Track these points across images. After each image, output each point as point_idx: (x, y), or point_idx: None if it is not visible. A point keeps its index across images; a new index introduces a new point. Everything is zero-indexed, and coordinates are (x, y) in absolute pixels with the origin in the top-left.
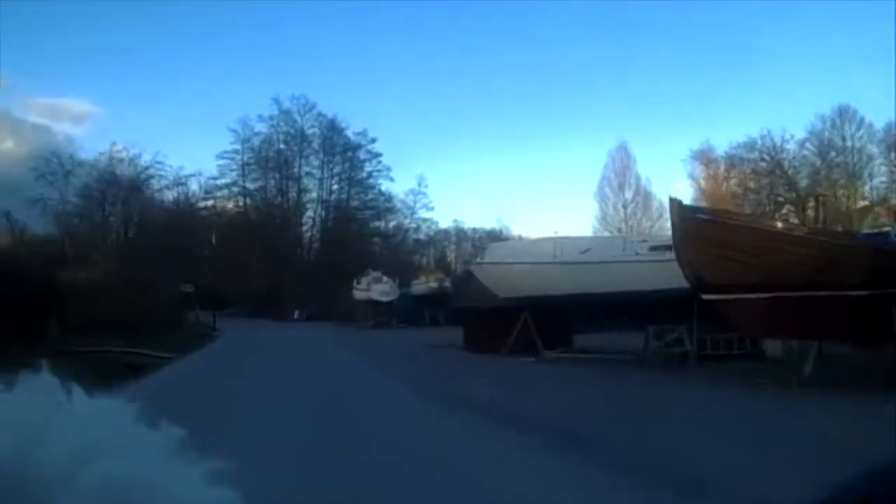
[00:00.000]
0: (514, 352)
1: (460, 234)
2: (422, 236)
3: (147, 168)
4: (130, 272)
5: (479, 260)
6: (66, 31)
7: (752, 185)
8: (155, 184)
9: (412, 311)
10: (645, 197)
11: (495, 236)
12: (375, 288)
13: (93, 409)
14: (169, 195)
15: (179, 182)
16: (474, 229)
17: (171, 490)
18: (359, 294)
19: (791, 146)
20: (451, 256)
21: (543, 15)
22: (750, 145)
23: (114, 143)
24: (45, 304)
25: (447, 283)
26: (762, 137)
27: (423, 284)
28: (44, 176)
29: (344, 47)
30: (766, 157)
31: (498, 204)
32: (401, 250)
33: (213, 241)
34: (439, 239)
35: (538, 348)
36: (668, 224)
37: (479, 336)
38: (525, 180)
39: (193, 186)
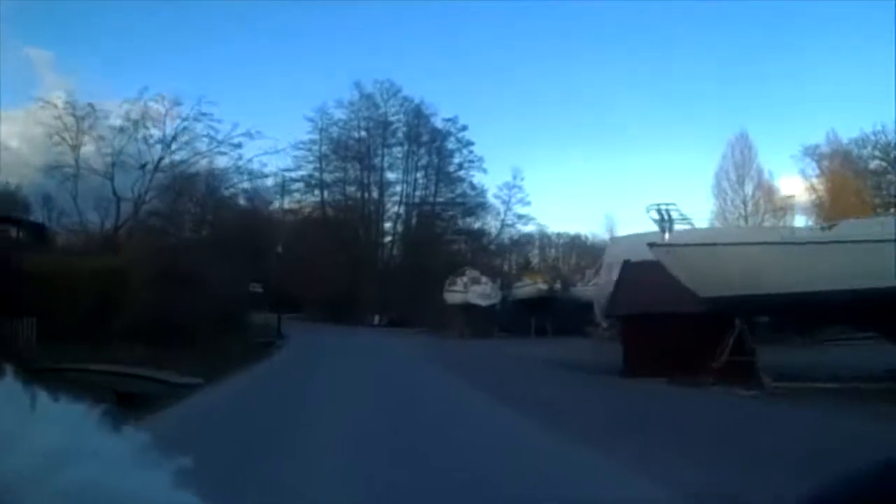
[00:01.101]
0: (719, 380)
1: (544, 240)
2: (516, 234)
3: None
4: (169, 265)
5: (667, 241)
6: (141, 30)
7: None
8: (232, 179)
9: (515, 319)
10: (768, 192)
11: (580, 243)
12: (474, 290)
13: (58, 416)
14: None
15: (255, 176)
16: (559, 234)
17: (136, 493)
18: (452, 297)
19: None
20: (534, 262)
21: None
22: (862, 141)
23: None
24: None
25: (558, 286)
26: (875, 133)
27: (530, 287)
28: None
29: (434, 29)
30: (878, 154)
31: (584, 208)
32: (490, 251)
33: (283, 238)
34: (523, 243)
35: (756, 373)
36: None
37: (653, 355)
38: (615, 182)
39: (269, 182)
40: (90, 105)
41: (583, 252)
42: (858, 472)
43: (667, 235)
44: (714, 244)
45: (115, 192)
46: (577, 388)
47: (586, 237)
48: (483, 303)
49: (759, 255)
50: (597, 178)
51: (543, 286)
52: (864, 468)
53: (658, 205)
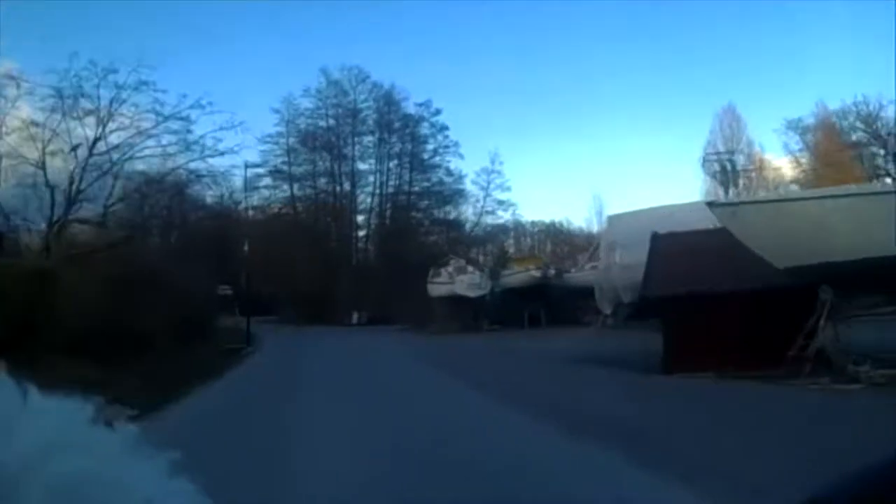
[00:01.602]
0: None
1: (518, 228)
2: (493, 223)
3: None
4: (121, 265)
5: (733, 199)
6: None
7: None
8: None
9: (504, 310)
10: (760, 165)
11: (556, 230)
12: (461, 280)
13: (50, 409)
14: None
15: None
16: (533, 222)
17: (129, 485)
18: (437, 289)
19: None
20: (510, 252)
21: None
22: (843, 112)
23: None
24: None
25: (552, 272)
26: (856, 104)
27: (522, 274)
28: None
29: (403, 10)
30: (860, 125)
31: (561, 194)
32: (468, 240)
33: (252, 237)
34: (495, 233)
35: (845, 364)
36: None
37: (704, 344)
38: (597, 166)
39: (238, 181)
40: (12, 78)
41: (559, 240)
42: (868, 469)
43: (731, 192)
44: (799, 198)
45: (48, 183)
46: (631, 394)
47: (561, 223)
48: (471, 294)
49: (859, 210)
50: (576, 162)
51: (536, 273)
52: (874, 464)
53: (718, 154)
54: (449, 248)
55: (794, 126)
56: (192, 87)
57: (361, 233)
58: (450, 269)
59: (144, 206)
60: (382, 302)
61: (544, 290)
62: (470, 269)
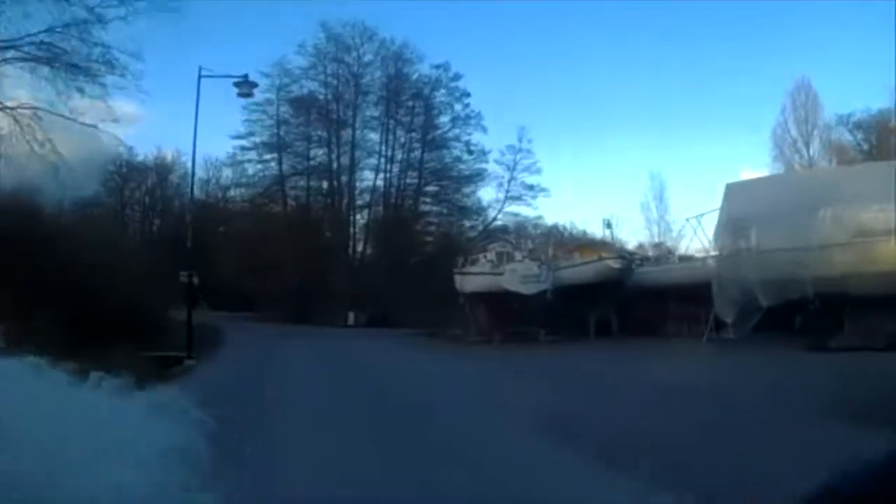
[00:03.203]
0: None
1: (520, 230)
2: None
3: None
4: None
5: None
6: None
7: None
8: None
9: (563, 313)
10: (839, 151)
11: (556, 233)
12: (512, 270)
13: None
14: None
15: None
16: (535, 224)
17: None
18: (470, 282)
19: None
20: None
21: None
22: None
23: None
24: None
25: (637, 262)
26: None
27: (592, 265)
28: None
29: None
30: None
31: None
32: (489, 231)
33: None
34: (496, 233)
35: None
36: None
37: None
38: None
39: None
40: None
41: (559, 245)
42: (866, 466)
43: None
44: None
45: None
46: None
47: (564, 227)
48: (526, 290)
49: None
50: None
51: (615, 264)
52: (873, 461)
53: None
54: (467, 240)
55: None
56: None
57: (361, 219)
58: (490, 256)
59: (125, 190)
60: (384, 300)
61: (617, 289)
62: (518, 255)
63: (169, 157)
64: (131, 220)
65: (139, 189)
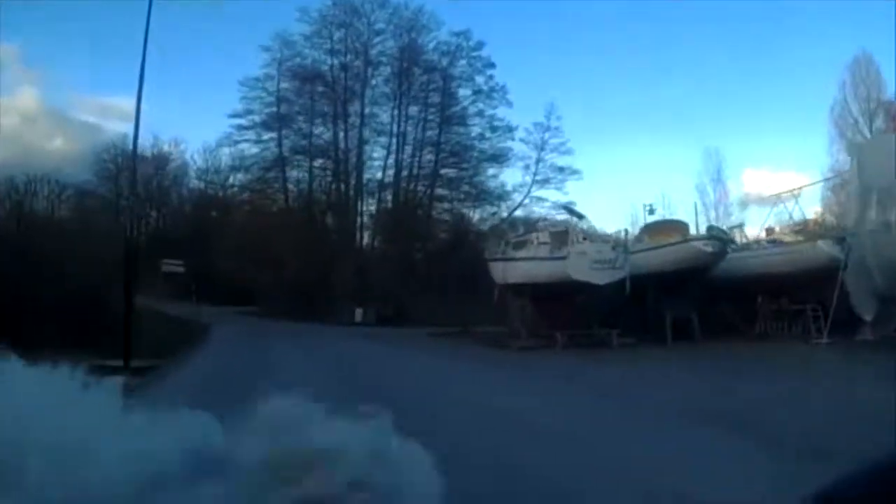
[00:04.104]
0: None
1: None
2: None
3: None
4: None
5: None
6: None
7: None
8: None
9: (637, 310)
10: None
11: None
12: (579, 254)
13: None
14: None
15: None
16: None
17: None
18: (518, 273)
19: None
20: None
21: None
22: None
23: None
24: None
25: (731, 243)
26: None
27: (674, 248)
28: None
29: None
30: None
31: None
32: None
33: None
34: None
35: None
36: None
37: None
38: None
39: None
40: None
41: None
42: (870, 466)
43: None
44: None
45: None
46: None
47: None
48: (599, 278)
49: None
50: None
51: (707, 247)
52: (879, 461)
53: None
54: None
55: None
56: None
57: (370, 204)
58: (542, 237)
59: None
60: (395, 295)
61: (704, 278)
62: (582, 236)
63: (166, 147)
64: (126, 210)
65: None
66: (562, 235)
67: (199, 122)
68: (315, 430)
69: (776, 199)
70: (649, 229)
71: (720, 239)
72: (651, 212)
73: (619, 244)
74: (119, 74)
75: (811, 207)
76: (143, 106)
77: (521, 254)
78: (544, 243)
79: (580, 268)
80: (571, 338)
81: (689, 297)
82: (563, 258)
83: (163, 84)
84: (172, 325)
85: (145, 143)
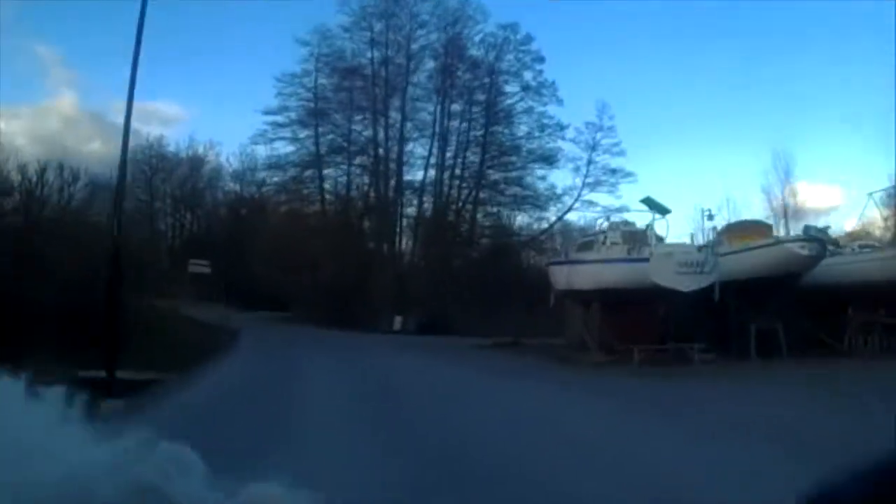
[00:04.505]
0: None
1: (565, 234)
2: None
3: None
4: None
5: None
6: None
7: None
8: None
9: (719, 320)
10: None
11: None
12: (667, 257)
13: None
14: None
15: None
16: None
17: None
18: (586, 278)
19: None
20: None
21: None
22: None
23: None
24: None
25: (831, 246)
26: None
27: (765, 250)
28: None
29: None
30: None
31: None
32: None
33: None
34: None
35: None
36: None
37: None
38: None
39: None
40: None
41: None
42: (865, 466)
43: None
44: None
45: None
46: None
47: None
48: (686, 284)
49: None
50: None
51: (803, 249)
52: (872, 462)
53: None
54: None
55: None
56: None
57: (411, 206)
58: (613, 237)
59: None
60: (437, 302)
61: (790, 286)
62: (656, 234)
63: (201, 149)
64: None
65: (169, 181)
66: (636, 235)
67: (235, 123)
68: None
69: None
70: (730, 231)
71: (819, 240)
72: (710, 217)
73: (707, 245)
74: (160, 78)
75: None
76: (179, 109)
77: (590, 256)
78: (615, 244)
79: (665, 272)
80: (648, 353)
81: (776, 307)
82: (644, 260)
83: (197, 82)
84: (198, 331)
85: (181, 145)
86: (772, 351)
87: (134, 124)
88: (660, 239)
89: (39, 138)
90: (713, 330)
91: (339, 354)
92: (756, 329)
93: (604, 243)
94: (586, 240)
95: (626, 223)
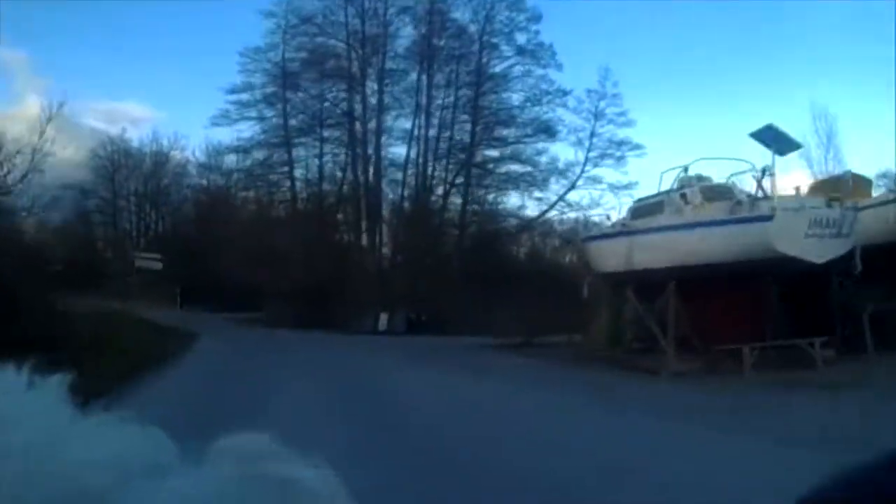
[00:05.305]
0: None
1: (546, 225)
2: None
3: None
4: None
5: None
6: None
7: None
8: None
9: (821, 300)
10: None
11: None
12: (797, 213)
13: None
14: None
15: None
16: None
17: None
18: (655, 253)
19: None
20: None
21: None
22: None
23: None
24: None
25: None
26: None
27: (878, 209)
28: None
29: None
30: None
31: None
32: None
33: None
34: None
35: None
36: None
37: None
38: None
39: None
40: None
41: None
42: (863, 466)
43: None
44: None
45: None
46: None
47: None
48: (820, 253)
49: None
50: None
51: None
52: (865, 465)
53: None
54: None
55: None
56: None
57: (393, 187)
58: (693, 197)
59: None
60: (426, 296)
61: None
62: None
63: (165, 143)
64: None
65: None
66: (720, 191)
67: (200, 114)
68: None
69: None
70: (816, 188)
71: None
72: (770, 175)
73: (836, 198)
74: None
75: None
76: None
77: (663, 221)
78: (700, 205)
79: (793, 236)
80: (760, 353)
81: (890, 284)
82: (759, 221)
83: (162, 78)
84: (150, 335)
85: (145, 140)
86: (890, 341)
87: (100, 124)
88: (750, 197)
89: None
90: (823, 316)
91: (319, 366)
92: (868, 313)
93: (685, 201)
94: (648, 201)
95: (701, 177)
